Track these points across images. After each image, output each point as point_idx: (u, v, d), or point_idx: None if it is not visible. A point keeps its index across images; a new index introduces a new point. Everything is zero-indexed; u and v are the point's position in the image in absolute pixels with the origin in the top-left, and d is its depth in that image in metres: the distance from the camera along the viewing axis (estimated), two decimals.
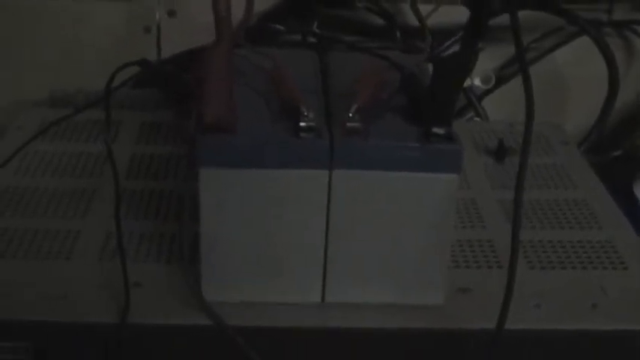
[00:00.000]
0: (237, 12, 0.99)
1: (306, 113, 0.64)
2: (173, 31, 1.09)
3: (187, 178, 0.67)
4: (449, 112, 0.65)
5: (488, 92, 1.08)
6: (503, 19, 1.06)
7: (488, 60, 1.09)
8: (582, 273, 0.74)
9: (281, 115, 0.66)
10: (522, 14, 1.07)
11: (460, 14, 1.07)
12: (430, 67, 0.70)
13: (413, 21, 1.06)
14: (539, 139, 0.95)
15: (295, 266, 0.67)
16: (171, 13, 1.09)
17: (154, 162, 0.87)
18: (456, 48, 1.04)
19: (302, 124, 0.64)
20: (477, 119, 1.05)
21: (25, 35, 1.08)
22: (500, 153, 0.91)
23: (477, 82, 1.05)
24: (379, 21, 1.08)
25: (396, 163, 0.64)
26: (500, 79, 1.07)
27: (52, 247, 0.74)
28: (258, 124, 0.65)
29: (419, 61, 0.76)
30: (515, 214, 0.62)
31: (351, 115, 0.64)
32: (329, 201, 0.65)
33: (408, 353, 0.67)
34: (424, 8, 1.06)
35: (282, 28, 1.02)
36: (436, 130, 0.64)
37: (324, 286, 0.68)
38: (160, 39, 1.10)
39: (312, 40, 1.04)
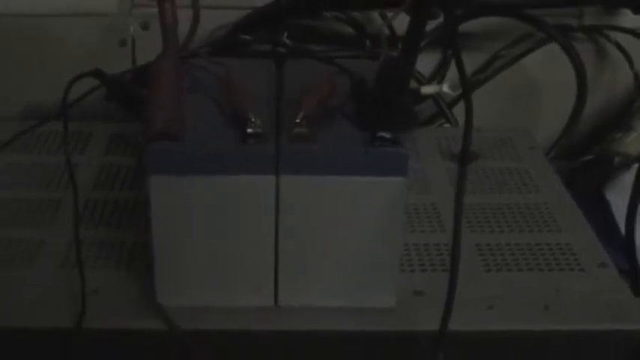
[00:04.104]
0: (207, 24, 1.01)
1: (253, 120, 0.65)
2: (147, 43, 1.10)
3: (138, 188, 0.68)
4: (393, 117, 0.66)
5: (459, 99, 1.08)
6: (473, 26, 1.08)
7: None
8: (538, 275, 0.75)
9: (229, 122, 0.67)
10: (492, 21, 1.10)
11: (432, 22, 1.09)
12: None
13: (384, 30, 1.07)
14: (506, 144, 0.96)
15: (247, 270, 0.68)
16: (144, 27, 1.10)
17: (122, 172, 0.88)
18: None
19: (249, 130, 0.65)
20: (448, 126, 1.06)
21: (1, 50, 1.09)
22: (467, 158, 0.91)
23: (445, 89, 1.06)
24: (349, 30, 1.09)
25: (342, 168, 0.65)
26: (471, 86, 1.07)
27: (14, 255, 0.75)
28: (208, 132, 0.66)
29: (372, 67, 0.76)
30: (456, 213, 0.63)
31: (298, 121, 0.65)
32: (277, 206, 0.66)
33: (361, 356, 0.68)
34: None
35: (251, 38, 1.03)
36: (382, 134, 0.65)
37: (276, 289, 0.69)
38: (134, 52, 1.11)
39: (281, 50, 1.05)
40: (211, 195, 0.65)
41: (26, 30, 1.08)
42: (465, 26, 1.06)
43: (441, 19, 0.65)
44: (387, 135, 0.65)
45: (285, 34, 1.07)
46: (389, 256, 0.68)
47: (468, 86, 0.61)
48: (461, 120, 1.08)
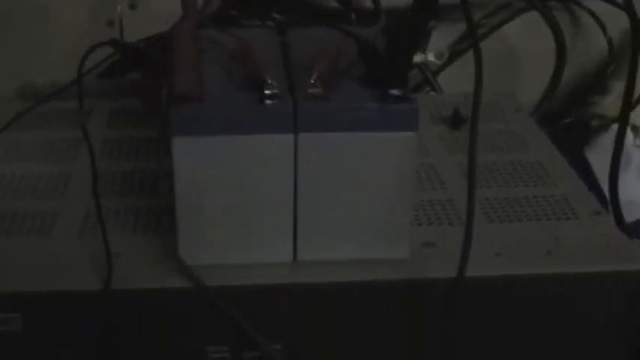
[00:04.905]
0: None
1: (270, 82, 0.68)
2: (134, 23, 1.12)
3: (161, 152, 0.70)
4: (404, 75, 0.69)
5: (443, 67, 1.12)
6: None
7: (442, 37, 1.13)
8: (538, 224, 0.79)
9: (246, 85, 0.70)
10: None
11: None
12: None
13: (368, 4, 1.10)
14: (493, 108, 1.00)
15: (267, 227, 0.70)
16: (132, 6, 1.12)
17: (125, 145, 0.90)
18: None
19: (267, 91, 0.68)
20: (433, 93, 1.10)
21: None
22: (456, 121, 0.95)
23: (430, 57, 1.09)
24: (335, 5, 1.11)
25: (357, 124, 0.68)
26: (453, 55, 1.11)
27: (32, 225, 0.77)
28: (226, 94, 0.69)
29: (374, 32, 0.79)
30: (469, 165, 0.66)
31: (312, 82, 0.68)
32: (295, 163, 0.69)
33: (378, 304, 0.71)
34: None
35: (241, 14, 1.05)
36: (393, 91, 0.69)
37: (295, 245, 0.71)
38: (122, 31, 1.13)
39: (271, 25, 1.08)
40: (232, 154, 0.68)
41: (15, 10, 1.09)
42: None
43: None
44: (398, 92, 0.69)
45: (275, 10, 1.10)
46: (403, 208, 0.71)
47: (478, 49, 0.64)
48: (445, 88, 1.12)
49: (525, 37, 1.14)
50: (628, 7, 0.94)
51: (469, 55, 1.13)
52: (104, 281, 0.69)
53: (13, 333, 0.69)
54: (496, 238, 0.76)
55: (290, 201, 0.70)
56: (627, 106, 0.93)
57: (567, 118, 1.13)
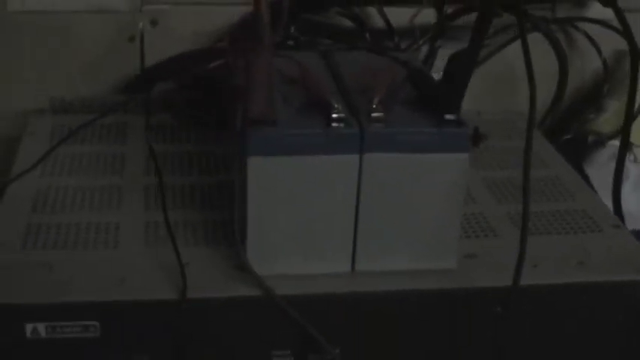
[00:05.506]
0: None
1: (336, 106, 0.74)
2: (155, 40, 1.17)
3: (233, 169, 0.75)
4: (459, 100, 0.75)
5: None
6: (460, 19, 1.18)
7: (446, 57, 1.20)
8: (566, 238, 0.85)
9: (312, 108, 0.75)
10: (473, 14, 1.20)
11: (423, 16, 1.19)
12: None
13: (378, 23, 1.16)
14: (507, 126, 1.06)
15: (330, 240, 0.76)
16: (153, 23, 1.16)
17: (168, 159, 0.95)
18: (425, 47, 1.16)
19: (334, 115, 0.73)
20: None
21: (13, 47, 1.14)
22: (476, 139, 1.01)
23: (437, 77, 1.16)
24: (349, 25, 1.17)
25: (416, 146, 0.74)
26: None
27: (97, 238, 0.81)
28: (294, 117, 0.74)
29: (412, 57, 0.86)
30: (524, 189, 0.72)
31: (374, 106, 0.74)
32: (359, 182, 0.74)
33: (428, 311, 0.77)
34: (390, 11, 1.16)
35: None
36: (448, 116, 0.75)
37: (353, 257, 0.77)
38: (143, 47, 1.17)
39: (290, 43, 1.13)
40: (302, 173, 0.73)
41: (38, 27, 1.13)
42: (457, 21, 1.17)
43: None
44: (452, 117, 0.75)
45: (293, 28, 1.15)
46: (453, 224, 0.77)
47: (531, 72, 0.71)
48: None
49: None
50: (626, 32, 1.01)
51: (475, 74, 1.21)
52: (179, 291, 0.73)
53: (92, 339, 0.73)
54: (531, 250, 0.82)
55: (352, 216, 0.75)
56: (627, 125, 1.01)
57: (567, 135, 1.20)
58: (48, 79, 1.14)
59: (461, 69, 0.75)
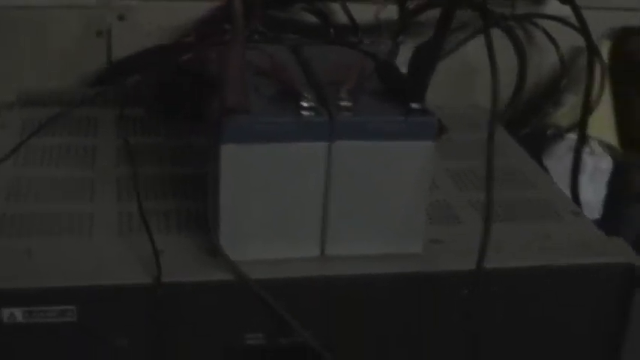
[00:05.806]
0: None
1: (306, 95, 0.76)
2: (123, 34, 1.18)
3: (206, 158, 0.77)
4: (423, 90, 0.78)
5: None
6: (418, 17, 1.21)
7: (409, 51, 1.23)
8: (527, 224, 0.89)
9: (283, 98, 0.78)
10: (435, 11, 1.23)
11: (387, 12, 1.21)
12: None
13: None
14: (467, 119, 1.10)
15: (301, 225, 0.78)
16: (121, 18, 1.18)
17: (139, 152, 0.96)
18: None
19: (304, 104, 0.76)
20: None
21: None
22: (437, 131, 1.04)
23: None
24: (315, 21, 1.20)
25: (384, 134, 0.77)
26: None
27: (72, 226, 0.83)
28: (265, 106, 0.77)
29: (382, 50, 0.88)
30: (488, 174, 0.75)
31: (343, 96, 0.77)
32: (329, 168, 0.77)
33: (396, 294, 0.80)
34: (353, 7, 1.18)
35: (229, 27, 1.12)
36: (414, 105, 0.78)
37: (323, 241, 0.79)
38: (110, 42, 1.19)
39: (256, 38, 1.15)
40: (274, 160, 0.75)
41: (8, 22, 1.14)
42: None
43: None
44: (418, 106, 0.78)
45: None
46: (420, 209, 0.80)
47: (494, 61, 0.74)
48: None
49: (484, 54, 1.24)
50: (583, 29, 1.05)
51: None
52: (154, 276, 0.75)
53: (69, 324, 0.75)
54: (494, 235, 0.85)
55: (321, 202, 0.78)
56: (584, 119, 1.05)
57: (525, 129, 1.24)
58: (17, 73, 1.16)
59: (425, 60, 0.77)
